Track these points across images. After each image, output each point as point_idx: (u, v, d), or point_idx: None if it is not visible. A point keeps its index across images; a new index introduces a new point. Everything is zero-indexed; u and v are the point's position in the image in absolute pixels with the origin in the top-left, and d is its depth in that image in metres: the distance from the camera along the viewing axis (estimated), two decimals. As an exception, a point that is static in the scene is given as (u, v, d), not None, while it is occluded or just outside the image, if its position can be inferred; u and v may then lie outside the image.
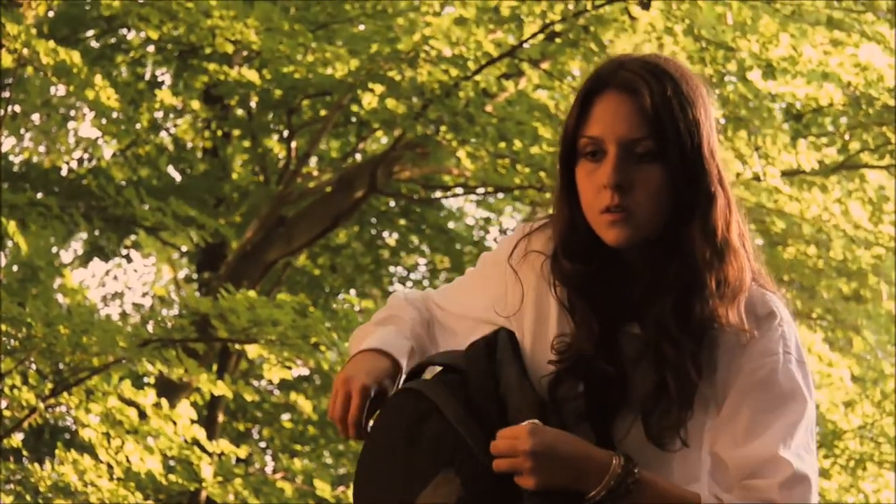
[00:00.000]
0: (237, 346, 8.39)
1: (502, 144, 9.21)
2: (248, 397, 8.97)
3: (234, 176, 11.48)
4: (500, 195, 11.97)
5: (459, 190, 11.33)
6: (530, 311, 2.31)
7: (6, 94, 8.52)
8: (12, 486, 7.86)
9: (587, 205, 2.20)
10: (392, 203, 11.88)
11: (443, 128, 8.93)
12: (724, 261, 2.18)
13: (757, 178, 8.62)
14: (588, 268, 2.22)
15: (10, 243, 12.51)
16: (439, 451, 2.17)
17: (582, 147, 2.19)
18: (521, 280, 2.32)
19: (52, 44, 7.82)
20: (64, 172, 11.26)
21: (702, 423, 2.22)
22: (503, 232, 13.77)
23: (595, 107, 2.18)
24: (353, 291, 12.64)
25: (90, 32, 11.02)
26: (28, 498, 7.75)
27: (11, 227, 8.02)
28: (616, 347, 2.22)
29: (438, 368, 2.34)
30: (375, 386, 2.30)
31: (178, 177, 11.86)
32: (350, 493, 9.26)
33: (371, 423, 2.31)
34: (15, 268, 13.54)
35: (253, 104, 10.93)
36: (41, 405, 7.65)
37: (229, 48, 9.29)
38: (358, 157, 11.43)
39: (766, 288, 2.27)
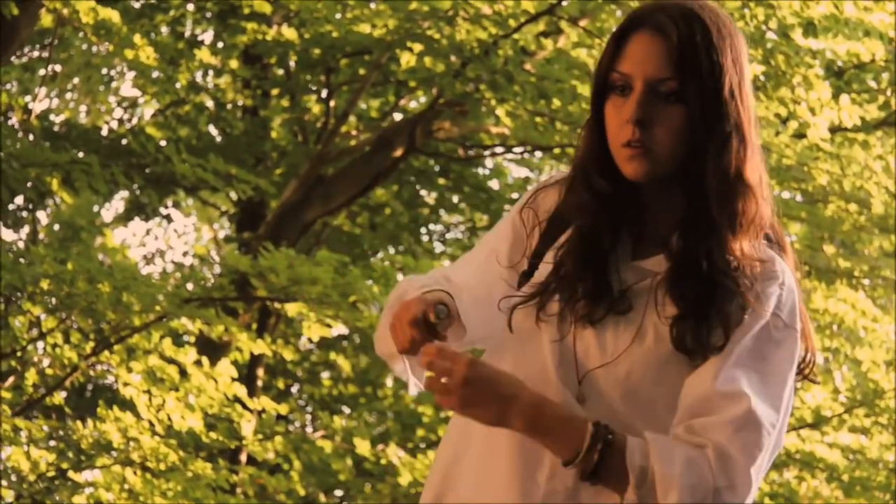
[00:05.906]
0: (276, 305, 8.41)
1: (541, 103, 9.18)
2: (288, 356, 9.01)
3: (273, 135, 11.49)
4: (539, 154, 11.94)
5: (499, 149, 11.31)
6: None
7: (45, 54, 8.55)
8: (55, 443, 7.92)
9: (612, 137, 2.26)
10: (431, 162, 11.87)
11: (482, 86, 8.90)
12: (738, 196, 2.23)
13: (801, 135, 8.55)
14: (606, 190, 2.27)
15: (50, 202, 12.59)
16: None
17: (612, 81, 2.26)
18: (529, 232, 2.39)
19: (91, 3, 7.83)
20: (104, 132, 11.29)
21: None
22: (542, 191, 13.71)
23: (628, 45, 2.26)
24: (391, 250, 12.64)
25: (130, -8, 11.02)
26: (70, 455, 7.81)
27: (55, 183, 8.05)
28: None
29: None
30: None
31: (217, 136, 11.87)
32: (388, 451, 9.29)
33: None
34: (56, 227, 13.63)
35: (292, 63, 10.92)
36: (83, 363, 7.70)
37: (268, 8, 9.28)
38: (397, 116, 11.41)
39: (780, 243, 2.32)
